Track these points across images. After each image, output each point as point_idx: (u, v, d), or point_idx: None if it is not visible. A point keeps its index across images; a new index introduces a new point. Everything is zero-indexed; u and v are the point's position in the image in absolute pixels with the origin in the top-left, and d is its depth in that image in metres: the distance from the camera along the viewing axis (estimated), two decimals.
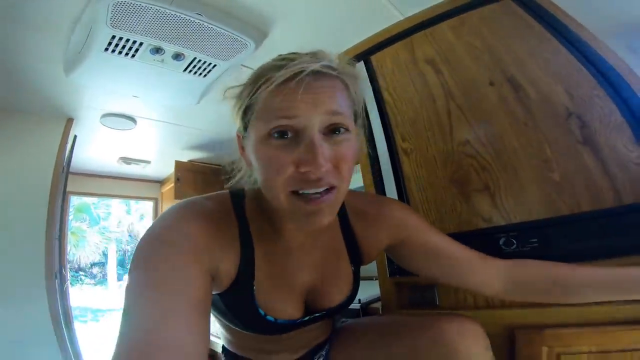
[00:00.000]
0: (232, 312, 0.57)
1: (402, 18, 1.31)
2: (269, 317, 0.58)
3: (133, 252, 0.46)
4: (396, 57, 1.13)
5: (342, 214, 0.65)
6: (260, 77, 0.46)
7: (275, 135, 0.45)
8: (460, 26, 1.04)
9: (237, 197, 0.58)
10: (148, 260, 0.44)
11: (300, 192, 0.45)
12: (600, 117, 0.76)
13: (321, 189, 0.45)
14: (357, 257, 0.67)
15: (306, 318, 0.63)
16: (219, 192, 0.59)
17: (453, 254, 0.64)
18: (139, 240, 0.47)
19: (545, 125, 0.82)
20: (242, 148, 0.54)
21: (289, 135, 0.45)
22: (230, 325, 0.63)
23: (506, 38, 0.95)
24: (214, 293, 0.55)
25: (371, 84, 1.15)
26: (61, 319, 1.96)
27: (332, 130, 0.46)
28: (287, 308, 0.60)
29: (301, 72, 0.43)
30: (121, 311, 0.40)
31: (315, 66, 0.43)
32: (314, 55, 0.47)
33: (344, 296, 0.65)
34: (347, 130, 0.46)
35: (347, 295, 0.65)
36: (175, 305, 0.39)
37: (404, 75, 1.09)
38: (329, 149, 0.45)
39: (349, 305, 0.68)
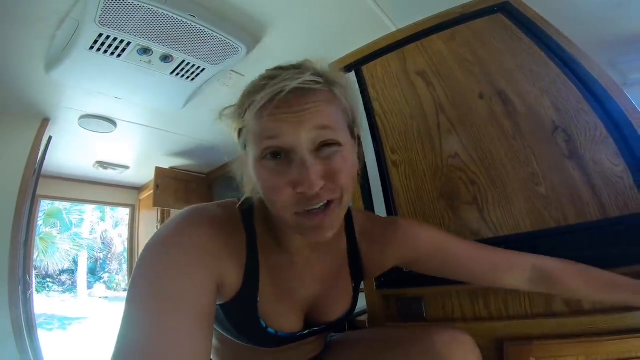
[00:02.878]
0: (232, 323, 0.55)
1: (394, 29, 1.33)
2: (270, 330, 0.56)
3: (139, 256, 0.44)
4: (387, 68, 1.13)
5: (350, 233, 0.65)
6: (246, 100, 0.46)
7: (268, 157, 0.44)
8: (452, 39, 1.06)
9: (246, 206, 0.56)
10: (154, 266, 0.42)
11: (302, 211, 0.45)
12: (586, 131, 0.78)
13: (318, 205, 0.44)
14: (358, 274, 0.66)
15: (306, 332, 0.62)
16: (228, 199, 0.57)
17: (476, 265, 0.64)
18: (145, 245, 0.45)
19: (533, 139, 0.84)
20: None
21: (282, 156, 0.44)
22: (224, 335, 0.61)
23: (497, 51, 0.97)
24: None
25: (362, 95, 1.14)
26: (23, 326, 1.88)
27: (323, 145, 0.44)
28: (289, 321, 0.59)
29: (280, 92, 0.42)
30: (121, 317, 0.39)
31: (294, 83, 0.42)
32: (299, 68, 0.46)
33: (342, 311, 0.65)
34: (338, 143, 0.45)
35: (346, 310, 0.65)
36: (180, 316, 0.38)
37: (394, 87, 1.10)
38: (322, 164, 0.44)
39: (346, 320, 0.68)
